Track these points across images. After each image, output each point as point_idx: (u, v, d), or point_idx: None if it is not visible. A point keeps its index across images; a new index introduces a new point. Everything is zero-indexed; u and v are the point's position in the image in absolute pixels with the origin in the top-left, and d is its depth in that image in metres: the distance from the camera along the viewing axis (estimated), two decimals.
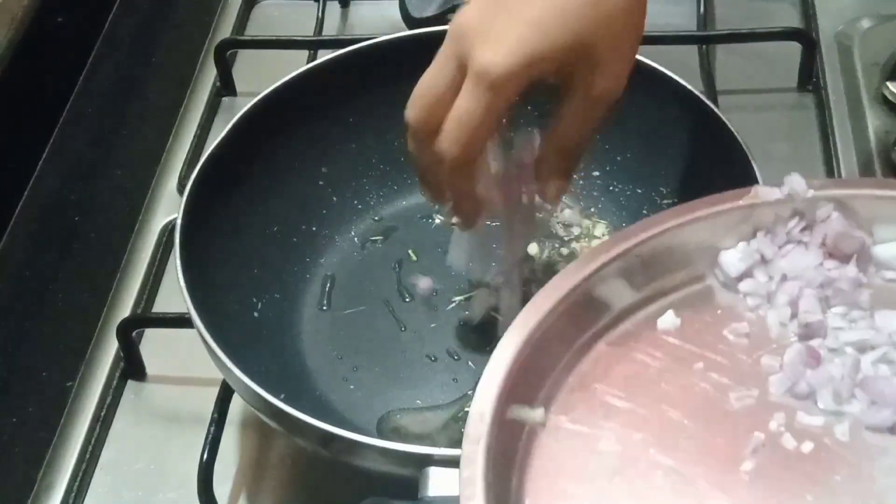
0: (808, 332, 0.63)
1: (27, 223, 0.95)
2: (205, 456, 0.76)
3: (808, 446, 0.59)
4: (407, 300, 0.85)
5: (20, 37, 1.03)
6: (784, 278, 0.65)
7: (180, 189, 0.96)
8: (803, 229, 0.66)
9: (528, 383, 0.60)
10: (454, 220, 0.76)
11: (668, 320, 0.64)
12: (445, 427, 0.77)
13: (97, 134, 1.03)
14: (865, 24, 1.04)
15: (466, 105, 0.66)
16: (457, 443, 0.64)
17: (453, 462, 0.59)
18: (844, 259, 0.65)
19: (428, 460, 0.65)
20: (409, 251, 0.88)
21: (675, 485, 0.58)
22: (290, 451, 0.80)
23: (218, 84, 1.05)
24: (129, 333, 0.85)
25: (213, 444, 0.77)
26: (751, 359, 0.63)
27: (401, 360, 0.82)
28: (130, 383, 0.86)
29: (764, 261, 0.66)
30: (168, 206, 0.96)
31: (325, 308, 0.85)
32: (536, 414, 0.59)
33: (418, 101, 0.68)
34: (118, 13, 1.13)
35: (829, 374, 0.61)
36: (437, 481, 0.64)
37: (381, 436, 0.76)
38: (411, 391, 0.80)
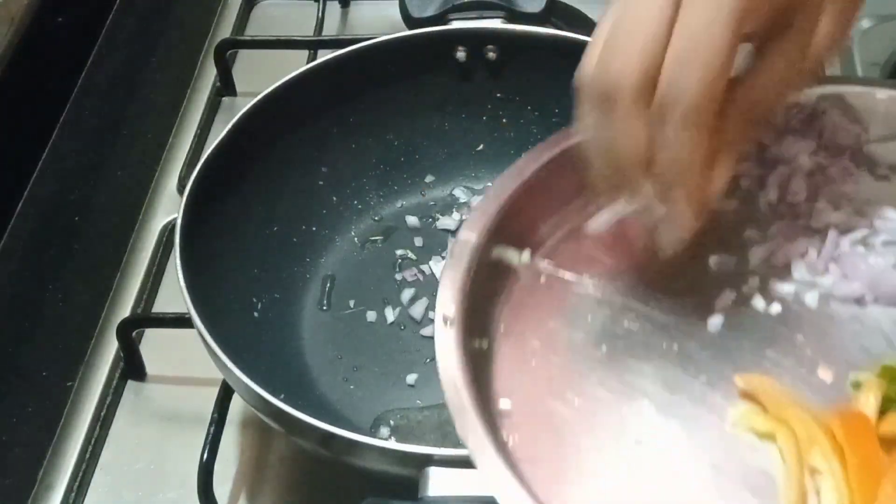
0: (794, 212, 0.65)
1: (27, 223, 0.95)
2: (205, 456, 0.76)
3: (776, 308, 0.62)
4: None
5: (20, 37, 1.03)
6: (777, 162, 0.66)
7: (180, 189, 0.96)
8: (802, 120, 0.67)
9: (517, 226, 0.63)
10: (661, 214, 0.59)
11: None
12: (444, 427, 0.77)
13: (97, 134, 1.03)
14: (865, 24, 1.04)
15: (706, 15, 0.52)
16: (457, 443, 0.64)
17: (454, 462, 0.60)
18: (838, 152, 0.66)
19: (428, 460, 0.65)
20: (409, 251, 0.88)
21: (645, 326, 0.61)
22: (290, 451, 0.80)
23: (218, 84, 1.05)
24: (129, 333, 0.85)
25: (213, 444, 0.77)
26: (735, 230, 0.65)
27: (401, 360, 0.82)
28: (130, 383, 0.86)
29: (760, 145, 0.66)
30: (168, 206, 0.96)
31: (325, 308, 0.85)
32: (523, 256, 0.63)
33: (628, 49, 0.54)
34: (118, 13, 1.13)
35: (807, 249, 0.63)
36: (438, 481, 0.64)
37: (374, 435, 0.76)
38: (411, 391, 0.80)
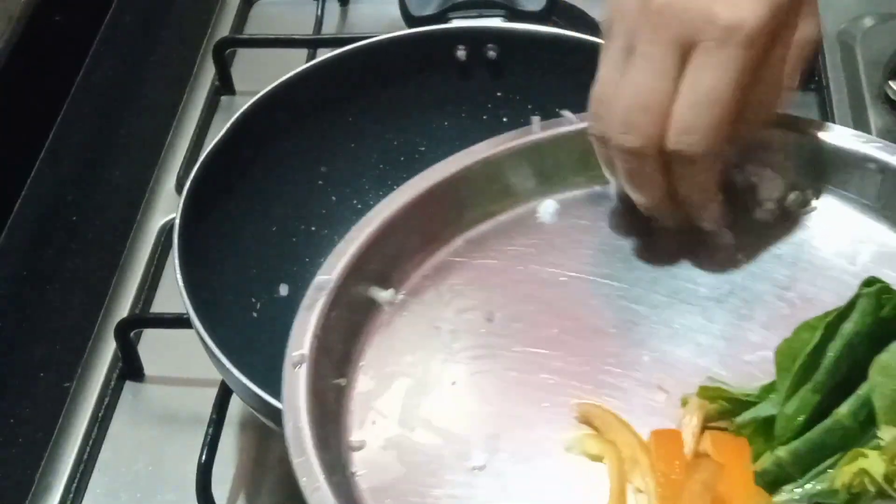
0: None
1: (25, 223, 0.95)
2: (203, 457, 0.76)
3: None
4: None
5: (18, 35, 1.03)
6: None
7: (179, 188, 0.96)
8: None
9: (380, 265, 0.65)
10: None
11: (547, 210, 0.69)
12: None
13: (95, 133, 1.02)
14: (867, 22, 1.04)
15: (712, 79, 0.58)
16: None
17: None
18: None
19: None
20: None
21: (500, 360, 0.63)
22: None
23: (216, 83, 1.05)
24: (128, 334, 0.85)
25: (211, 444, 0.77)
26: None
27: None
28: (128, 384, 0.85)
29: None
30: (166, 206, 0.96)
31: None
32: (386, 293, 0.64)
33: (638, 114, 0.60)
34: (116, 12, 1.12)
35: None
36: None
37: None
38: None
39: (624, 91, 0.61)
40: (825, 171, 0.67)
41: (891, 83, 0.97)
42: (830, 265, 0.64)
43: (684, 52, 0.59)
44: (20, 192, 0.96)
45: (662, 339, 0.63)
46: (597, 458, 0.59)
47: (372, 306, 0.64)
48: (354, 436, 0.59)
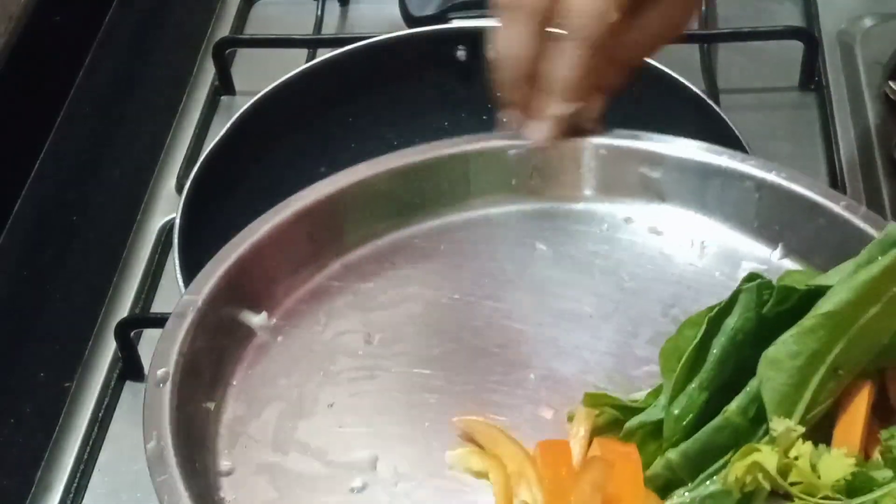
0: None
1: (25, 223, 0.95)
2: None
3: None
4: None
5: (18, 36, 1.03)
6: None
7: (179, 188, 0.96)
8: None
9: (250, 288, 0.64)
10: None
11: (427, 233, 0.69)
12: None
13: (95, 133, 1.02)
14: (867, 22, 1.04)
15: None
16: None
17: None
18: None
19: None
20: None
21: (376, 381, 0.62)
22: None
23: (216, 83, 1.05)
24: (128, 334, 0.84)
25: None
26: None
27: None
28: (128, 384, 0.85)
29: None
30: (166, 206, 0.96)
31: None
32: (258, 317, 0.63)
33: None
34: (116, 12, 1.12)
35: None
36: None
37: None
38: None
39: None
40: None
41: (891, 83, 0.97)
42: (713, 282, 0.64)
43: None
44: (20, 192, 0.96)
45: (548, 357, 0.63)
46: (481, 475, 0.58)
47: (243, 329, 0.63)
48: (224, 461, 0.58)
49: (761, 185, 0.66)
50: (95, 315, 0.89)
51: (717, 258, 0.66)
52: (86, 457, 0.81)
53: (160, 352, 0.59)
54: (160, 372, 0.58)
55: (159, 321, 0.86)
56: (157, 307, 0.90)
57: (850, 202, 0.65)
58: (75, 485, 0.79)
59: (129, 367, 0.85)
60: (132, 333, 0.85)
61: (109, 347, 0.86)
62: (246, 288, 0.63)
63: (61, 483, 0.79)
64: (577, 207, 0.69)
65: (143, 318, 0.88)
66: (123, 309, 0.89)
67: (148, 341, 0.87)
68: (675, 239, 0.68)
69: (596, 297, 0.66)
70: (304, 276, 0.66)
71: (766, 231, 0.66)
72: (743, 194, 0.67)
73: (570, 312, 0.65)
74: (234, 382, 0.61)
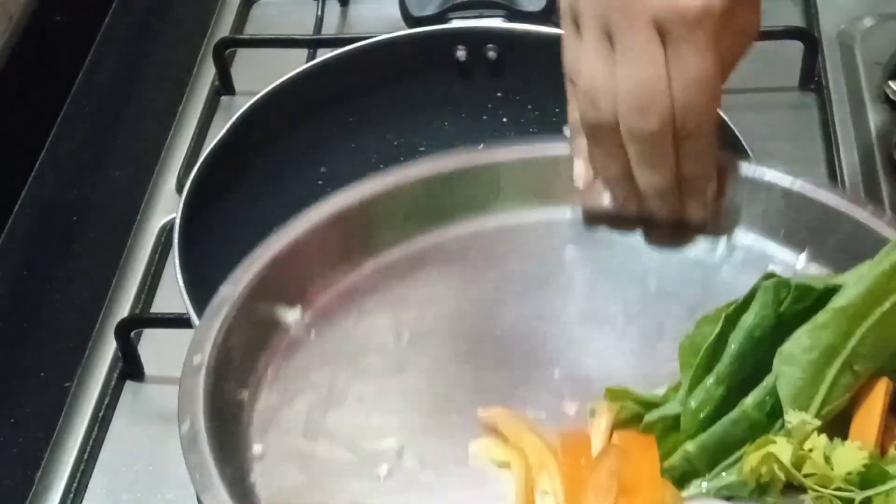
0: None
1: (25, 222, 0.95)
2: None
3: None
4: None
5: (18, 35, 1.03)
6: None
7: (179, 188, 0.96)
8: None
9: (287, 283, 0.64)
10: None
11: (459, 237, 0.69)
12: None
13: (95, 133, 1.02)
14: (867, 22, 1.04)
15: (696, 62, 0.60)
16: None
17: None
18: None
19: None
20: None
21: (404, 374, 0.63)
22: None
23: (217, 83, 1.05)
24: (128, 333, 0.85)
25: None
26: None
27: None
28: (129, 384, 0.85)
29: None
30: (166, 206, 0.96)
31: None
32: (292, 312, 0.64)
33: (650, 98, 0.61)
34: (116, 12, 1.12)
35: None
36: None
37: None
38: None
39: (624, 79, 0.61)
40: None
41: (891, 83, 0.97)
42: (739, 287, 0.64)
43: (661, 35, 0.60)
44: (20, 192, 0.96)
45: (573, 356, 0.64)
46: (504, 465, 0.59)
47: (278, 324, 0.64)
48: (254, 448, 0.59)
49: (787, 193, 0.67)
50: (95, 315, 0.89)
51: (744, 264, 0.67)
52: (86, 457, 0.81)
53: (196, 341, 0.60)
54: (196, 358, 0.59)
55: (159, 321, 0.87)
56: (157, 307, 0.90)
57: (875, 209, 0.65)
58: (75, 485, 0.79)
59: (129, 367, 0.85)
60: (132, 333, 0.85)
61: (109, 347, 0.86)
62: (281, 284, 0.64)
63: (61, 483, 0.80)
64: (606, 215, 0.69)
65: (144, 318, 0.88)
66: (123, 309, 0.89)
67: (148, 341, 0.87)
68: (701, 244, 0.68)
69: (623, 300, 0.66)
70: (337, 275, 0.67)
71: (793, 238, 0.67)
72: (769, 203, 0.67)
73: (597, 314, 0.66)
74: (268, 374, 0.62)
